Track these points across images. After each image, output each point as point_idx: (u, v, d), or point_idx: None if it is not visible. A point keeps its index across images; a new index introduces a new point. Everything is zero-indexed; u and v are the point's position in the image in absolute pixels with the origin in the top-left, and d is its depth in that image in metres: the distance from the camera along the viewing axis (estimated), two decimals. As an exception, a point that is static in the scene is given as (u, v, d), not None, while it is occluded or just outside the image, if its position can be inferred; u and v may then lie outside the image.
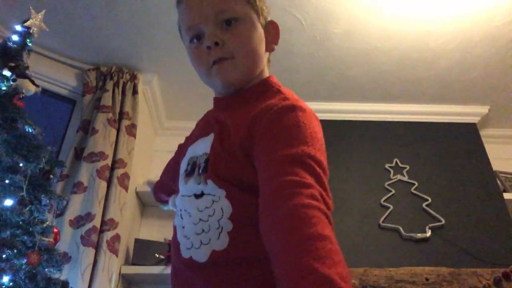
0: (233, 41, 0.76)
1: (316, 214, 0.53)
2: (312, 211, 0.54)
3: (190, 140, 0.89)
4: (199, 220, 0.71)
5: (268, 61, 0.89)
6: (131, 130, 2.19)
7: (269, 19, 0.87)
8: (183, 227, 0.75)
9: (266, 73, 0.86)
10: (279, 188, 0.58)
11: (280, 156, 0.62)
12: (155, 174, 2.43)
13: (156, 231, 2.32)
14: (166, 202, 1.17)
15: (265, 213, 0.58)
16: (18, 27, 1.49)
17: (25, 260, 1.17)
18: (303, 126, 0.67)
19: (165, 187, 1.15)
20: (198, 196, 0.73)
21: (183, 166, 0.82)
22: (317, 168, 0.61)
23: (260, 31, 0.82)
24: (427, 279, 1.86)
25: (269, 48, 0.86)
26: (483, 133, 2.57)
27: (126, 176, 2.04)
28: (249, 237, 0.66)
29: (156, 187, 1.21)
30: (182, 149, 0.94)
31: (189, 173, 0.78)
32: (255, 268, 0.65)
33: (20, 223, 1.22)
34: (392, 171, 2.32)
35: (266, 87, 0.80)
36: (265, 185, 0.61)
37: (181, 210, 0.77)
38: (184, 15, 0.81)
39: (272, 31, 0.86)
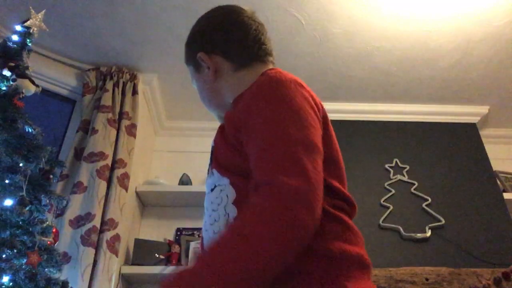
0: None
1: (243, 216, 0.61)
2: (242, 216, 0.62)
3: None
4: (212, 211, 0.75)
5: (252, 58, 0.92)
6: (131, 130, 2.19)
7: (205, 55, 0.93)
8: (205, 222, 0.78)
9: (249, 79, 0.86)
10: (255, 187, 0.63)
11: (255, 148, 0.67)
12: (155, 174, 2.45)
13: (156, 231, 2.32)
14: None
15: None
16: (18, 27, 1.49)
17: (25, 260, 1.17)
18: (274, 104, 0.69)
19: None
20: (212, 190, 0.77)
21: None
22: (297, 150, 0.63)
23: (201, 77, 0.94)
24: (427, 279, 1.86)
25: (212, 78, 0.92)
26: (483, 133, 2.57)
27: (126, 176, 2.04)
28: None
29: None
30: None
31: (208, 172, 0.84)
32: None
33: (20, 223, 1.22)
34: (392, 171, 2.32)
35: (244, 92, 0.87)
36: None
37: (204, 207, 0.82)
38: None
39: (204, 62, 0.92)
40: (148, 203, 2.41)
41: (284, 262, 0.57)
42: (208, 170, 0.84)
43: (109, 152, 2.03)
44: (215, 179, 0.77)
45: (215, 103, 0.94)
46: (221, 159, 0.77)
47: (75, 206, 1.83)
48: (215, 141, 0.82)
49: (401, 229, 2.08)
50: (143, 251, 2.07)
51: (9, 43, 1.44)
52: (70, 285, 1.34)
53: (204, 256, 0.60)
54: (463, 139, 2.49)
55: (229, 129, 0.76)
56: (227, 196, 0.72)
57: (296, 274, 0.61)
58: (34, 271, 1.18)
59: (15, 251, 1.17)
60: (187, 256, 2.13)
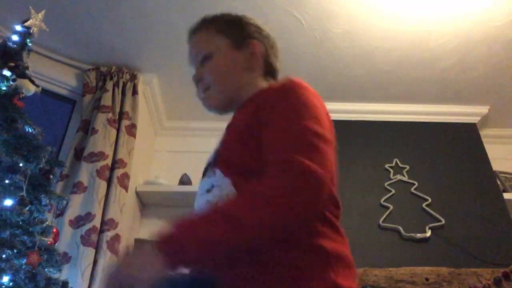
0: (207, 74, 0.94)
1: (230, 203, 0.67)
2: (233, 201, 0.68)
3: None
4: None
5: (267, 72, 0.97)
6: (131, 130, 2.19)
7: (251, 40, 0.95)
8: None
9: (261, 84, 0.93)
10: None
11: (273, 144, 0.71)
12: (155, 174, 2.45)
13: (156, 231, 2.32)
14: None
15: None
16: (18, 27, 1.49)
17: (25, 260, 1.17)
18: (292, 103, 0.76)
19: None
20: (209, 190, 0.78)
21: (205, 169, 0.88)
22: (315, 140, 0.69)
23: (233, 55, 0.93)
24: (427, 279, 1.86)
25: (249, 66, 0.94)
26: (483, 133, 2.56)
27: (126, 176, 2.03)
28: None
29: None
30: None
31: (203, 175, 0.85)
32: (264, 251, 0.68)
33: (20, 223, 1.22)
34: (392, 171, 2.32)
35: (261, 91, 0.89)
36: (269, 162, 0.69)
37: (197, 208, 0.83)
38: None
39: (252, 49, 0.95)
40: (148, 203, 2.41)
41: (282, 235, 0.64)
42: (205, 171, 0.85)
43: (109, 152, 2.03)
44: (215, 179, 0.77)
45: (231, 87, 0.93)
46: (228, 157, 0.78)
47: (75, 206, 1.83)
48: (222, 141, 0.83)
49: (401, 229, 2.08)
50: (143, 251, 2.07)
51: (9, 43, 1.44)
52: (70, 285, 1.35)
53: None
54: (463, 139, 2.49)
55: (245, 123, 0.78)
56: (227, 195, 0.73)
57: (288, 268, 0.65)
58: (34, 271, 1.18)
59: (15, 251, 1.17)
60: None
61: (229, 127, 0.86)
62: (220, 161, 0.79)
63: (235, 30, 0.96)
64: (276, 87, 0.81)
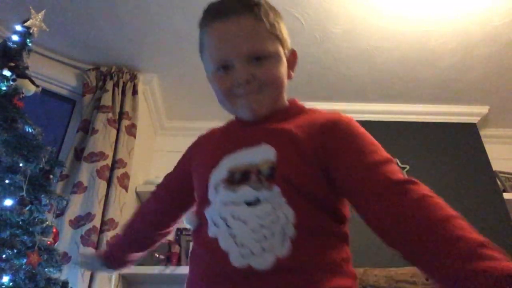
0: (261, 76, 0.80)
1: (438, 201, 0.67)
2: (434, 199, 0.68)
3: (207, 154, 0.88)
4: (261, 227, 0.71)
5: None
6: (131, 130, 2.19)
7: (290, 47, 0.90)
8: (234, 235, 0.72)
9: (285, 97, 0.90)
10: (388, 187, 0.68)
11: (371, 161, 0.72)
12: (155, 174, 2.45)
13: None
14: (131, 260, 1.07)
15: (384, 210, 0.66)
16: (18, 27, 1.49)
17: (25, 260, 1.17)
18: (367, 133, 0.81)
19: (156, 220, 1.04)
20: (252, 203, 0.73)
21: (218, 175, 0.79)
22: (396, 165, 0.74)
23: (285, 63, 0.86)
24: (427, 279, 1.86)
25: (290, 76, 0.89)
26: (483, 133, 2.57)
27: (126, 176, 2.04)
28: (313, 246, 0.70)
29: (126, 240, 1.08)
30: (184, 168, 0.96)
31: (237, 182, 0.76)
32: (322, 273, 0.68)
33: (20, 223, 1.22)
34: (392, 171, 2.32)
35: (299, 109, 0.88)
36: (365, 187, 0.70)
37: (223, 218, 0.75)
38: (214, 43, 0.83)
39: (293, 60, 0.91)
40: (148, 203, 2.41)
41: None
42: (232, 180, 0.77)
43: (109, 152, 2.03)
44: (268, 194, 0.72)
45: (279, 98, 0.86)
46: (292, 175, 0.73)
47: (75, 206, 1.83)
48: (281, 157, 0.75)
49: (401, 229, 2.08)
50: (143, 251, 2.07)
51: (9, 43, 1.44)
52: (70, 285, 1.34)
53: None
54: (463, 139, 2.49)
55: (311, 146, 0.76)
56: (285, 216, 0.70)
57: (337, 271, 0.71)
58: (34, 271, 1.18)
59: (15, 251, 1.16)
60: (187, 256, 2.13)
61: (289, 138, 0.78)
62: (281, 178, 0.73)
63: (285, 36, 0.88)
64: (334, 116, 0.82)
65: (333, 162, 0.75)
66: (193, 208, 0.92)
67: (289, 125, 0.80)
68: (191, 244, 0.86)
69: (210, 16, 0.84)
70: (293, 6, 1.95)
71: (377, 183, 0.69)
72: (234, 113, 0.88)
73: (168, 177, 1.04)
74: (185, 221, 0.92)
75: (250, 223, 0.72)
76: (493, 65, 2.28)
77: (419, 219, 0.63)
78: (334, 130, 0.78)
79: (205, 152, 0.91)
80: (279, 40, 0.85)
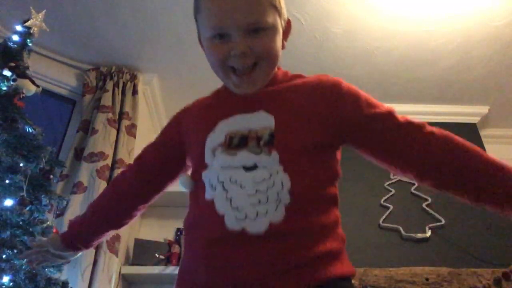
0: (258, 48, 0.79)
1: (446, 132, 0.85)
2: (442, 131, 0.85)
3: (200, 119, 0.88)
4: (256, 191, 0.72)
5: None
6: (131, 130, 2.19)
7: (286, 17, 0.88)
8: (230, 198, 0.73)
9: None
10: (406, 125, 0.87)
11: (384, 110, 0.91)
12: (155, 174, 2.44)
13: (156, 231, 2.32)
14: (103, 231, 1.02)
15: (408, 143, 0.83)
16: (18, 27, 1.49)
17: (25, 260, 1.17)
18: (362, 91, 0.95)
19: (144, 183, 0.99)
20: (249, 168, 0.74)
21: (215, 139, 0.80)
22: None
23: (281, 34, 0.85)
24: (427, 279, 1.86)
25: (283, 46, 0.89)
26: (483, 133, 2.57)
27: (126, 176, 2.03)
28: (306, 212, 0.72)
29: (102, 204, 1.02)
30: (178, 130, 0.94)
31: (236, 146, 0.77)
32: (314, 238, 0.71)
33: (20, 223, 1.22)
34: (392, 171, 2.32)
35: (290, 76, 0.90)
36: (387, 127, 0.87)
37: (221, 182, 0.75)
38: (212, 10, 0.81)
39: (288, 29, 0.90)
40: (148, 203, 2.40)
41: None
42: (230, 144, 0.77)
43: (109, 152, 2.03)
44: (266, 160, 0.73)
45: (273, 71, 0.86)
46: (291, 138, 0.76)
47: (75, 206, 1.83)
48: (279, 123, 0.77)
49: (401, 229, 2.08)
50: (143, 251, 2.07)
51: (9, 43, 1.44)
52: (70, 285, 1.35)
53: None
54: (463, 139, 2.49)
55: (313, 111, 0.80)
56: (281, 182, 0.72)
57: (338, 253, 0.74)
58: (34, 271, 1.18)
59: (15, 251, 1.17)
60: (187, 256, 2.13)
61: (288, 107, 0.80)
62: (280, 143, 0.75)
63: (282, 6, 0.85)
64: (334, 80, 0.87)
65: (356, 129, 0.85)
66: (188, 172, 0.93)
67: (285, 92, 0.83)
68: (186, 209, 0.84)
69: None
70: (293, 6, 1.95)
71: (407, 133, 0.84)
72: (226, 84, 0.86)
73: (150, 147, 1.01)
74: (180, 184, 0.92)
75: (246, 187, 0.73)
76: (493, 65, 2.28)
77: (446, 144, 0.84)
78: (342, 96, 0.86)
79: (198, 117, 0.91)
80: (278, 10, 0.82)
